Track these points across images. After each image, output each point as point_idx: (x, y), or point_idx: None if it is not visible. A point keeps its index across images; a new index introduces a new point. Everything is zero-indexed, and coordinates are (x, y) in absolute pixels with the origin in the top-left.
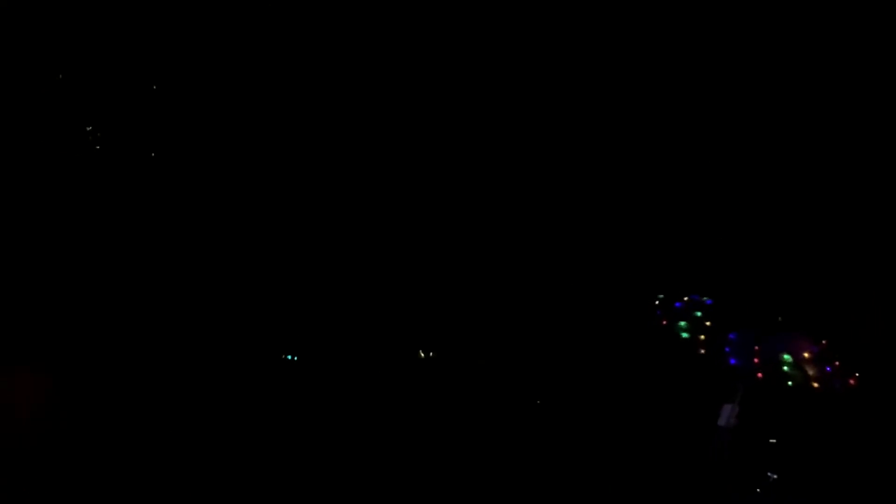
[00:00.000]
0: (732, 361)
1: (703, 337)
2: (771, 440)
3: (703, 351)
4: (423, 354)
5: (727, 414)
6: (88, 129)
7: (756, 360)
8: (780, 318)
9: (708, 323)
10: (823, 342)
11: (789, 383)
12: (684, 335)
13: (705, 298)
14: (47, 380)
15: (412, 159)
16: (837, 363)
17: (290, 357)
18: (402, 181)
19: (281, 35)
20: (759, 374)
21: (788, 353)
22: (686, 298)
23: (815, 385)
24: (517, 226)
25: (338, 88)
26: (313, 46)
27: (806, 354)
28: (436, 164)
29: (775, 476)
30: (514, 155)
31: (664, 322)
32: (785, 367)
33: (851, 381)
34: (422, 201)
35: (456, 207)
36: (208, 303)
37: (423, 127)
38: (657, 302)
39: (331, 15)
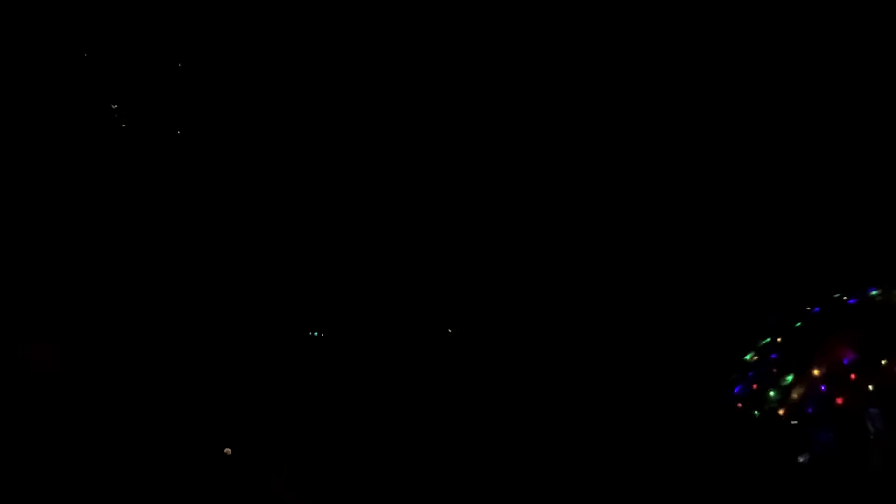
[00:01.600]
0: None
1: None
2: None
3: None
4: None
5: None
6: (113, 106)
7: (755, 387)
8: None
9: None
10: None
11: (755, 413)
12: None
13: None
14: (60, 352)
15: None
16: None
17: (314, 333)
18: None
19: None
20: (739, 405)
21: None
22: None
23: (781, 413)
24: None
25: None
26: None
27: (816, 371)
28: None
29: None
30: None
31: None
32: (771, 393)
33: None
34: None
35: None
36: (227, 281)
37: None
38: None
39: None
